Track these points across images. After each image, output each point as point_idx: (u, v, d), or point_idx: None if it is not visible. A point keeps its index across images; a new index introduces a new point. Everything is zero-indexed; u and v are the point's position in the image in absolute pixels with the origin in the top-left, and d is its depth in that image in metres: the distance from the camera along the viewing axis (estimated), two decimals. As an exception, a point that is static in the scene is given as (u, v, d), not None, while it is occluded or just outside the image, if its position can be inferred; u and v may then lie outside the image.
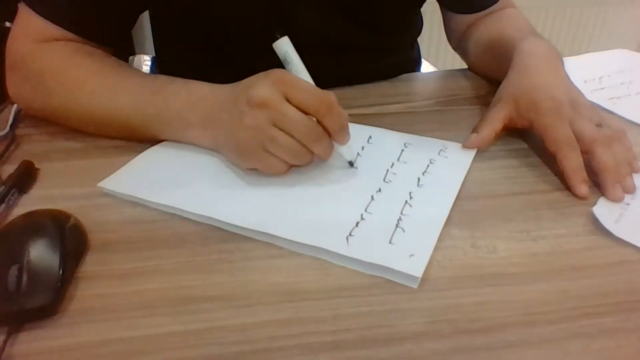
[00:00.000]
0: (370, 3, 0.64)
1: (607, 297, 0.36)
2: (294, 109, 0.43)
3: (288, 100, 0.43)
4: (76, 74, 0.53)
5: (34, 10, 0.54)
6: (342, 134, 0.45)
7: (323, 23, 0.63)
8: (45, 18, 0.54)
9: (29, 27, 0.55)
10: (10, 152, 0.52)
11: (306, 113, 0.43)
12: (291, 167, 0.46)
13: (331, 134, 0.45)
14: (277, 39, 0.47)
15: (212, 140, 0.49)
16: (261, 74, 0.44)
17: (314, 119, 0.44)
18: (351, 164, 0.49)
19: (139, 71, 0.54)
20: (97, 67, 0.53)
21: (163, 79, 0.52)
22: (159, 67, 0.85)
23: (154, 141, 0.52)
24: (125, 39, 0.65)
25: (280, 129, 0.43)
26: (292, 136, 0.43)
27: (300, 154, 0.44)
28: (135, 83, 0.52)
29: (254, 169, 0.46)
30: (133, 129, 0.51)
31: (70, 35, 0.55)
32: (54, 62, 0.53)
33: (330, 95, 0.43)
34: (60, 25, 0.54)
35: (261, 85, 0.43)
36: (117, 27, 0.60)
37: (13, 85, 0.56)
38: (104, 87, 0.51)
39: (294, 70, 0.47)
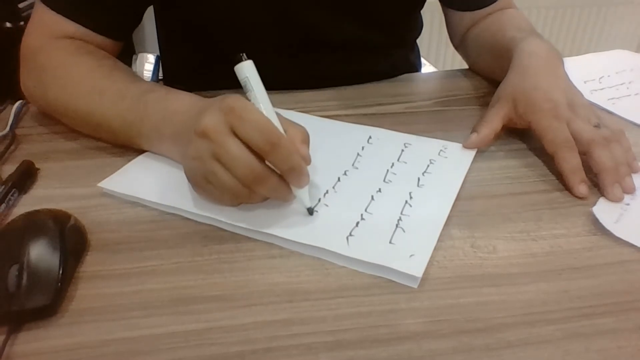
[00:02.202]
0: (371, 1, 0.64)
1: (607, 297, 0.36)
2: (237, 143, 0.38)
3: (234, 133, 0.38)
4: (72, 73, 0.53)
5: (46, 5, 0.55)
6: (293, 176, 0.40)
7: (323, 21, 0.64)
8: (56, 12, 0.55)
9: (42, 22, 0.56)
10: (10, 152, 0.52)
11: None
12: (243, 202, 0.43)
13: (282, 175, 0.40)
14: (241, 61, 0.41)
15: (179, 158, 0.47)
16: (218, 99, 0.40)
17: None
18: (310, 211, 0.42)
19: (131, 75, 0.53)
20: (91, 68, 0.53)
21: (147, 86, 0.51)
22: (163, 66, 0.85)
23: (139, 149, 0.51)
24: (131, 34, 0.66)
25: (221, 164, 0.39)
26: (231, 173, 0.39)
27: (241, 193, 0.40)
28: (122, 88, 0.51)
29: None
30: (115, 134, 0.51)
31: (80, 29, 0.56)
32: (56, 58, 0.54)
33: (277, 131, 0.39)
34: (70, 18, 0.55)
35: (208, 114, 0.39)
36: (126, 21, 0.61)
37: (22, 78, 0.57)
38: (94, 88, 0.51)
39: (252, 98, 0.41)
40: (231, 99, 0.39)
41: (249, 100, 0.41)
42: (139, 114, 0.48)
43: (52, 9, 0.55)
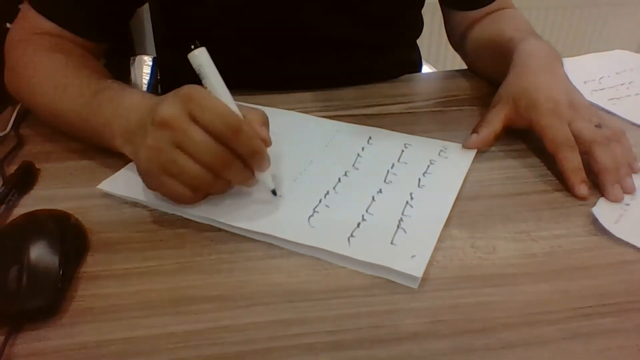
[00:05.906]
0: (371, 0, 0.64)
1: (607, 297, 0.36)
2: (200, 130, 0.38)
3: (195, 120, 0.38)
4: (40, 68, 0.54)
5: (30, 4, 0.56)
6: (255, 160, 0.41)
7: (323, 19, 0.64)
8: (38, 12, 0.56)
9: (25, 20, 0.57)
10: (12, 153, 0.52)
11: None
12: (205, 196, 0.43)
13: (244, 160, 0.40)
14: (192, 49, 0.40)
15: (131, 154, 0.46)
16: (174, 90, 0.40)
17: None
18: (274, 192, 0.44)
19: (97, 72, 0.53)
20: (60, 65, 0.53)
21: (106, 83, 0.50)
22: (160, 67, 0.85)
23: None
24: (119, 37, 0.66)
25: (184, 152, 0.39)
26: (196, 160, 0.39)
27: (205, 180, 0.40)
28: (83, 84, 0.51)
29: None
30: (75, 130, 0.52)
31: (57, 27, 0.56)
32: (29, 54, 0.55)
33: (238, 117, 0.39)
34: (51, 20, 0.56)
35: (166, 104, 0.39)
36: (109, 25, 0.61)
37: (5, 71, 0.57)
38: (59, 84, 0.52)
39: (208, 85, 0.41)
40: (188, 88, 0.39)
41: (206, 88, 0.40)
42: (92, 110, 0.49)
43: (34, 9, 0.56)
